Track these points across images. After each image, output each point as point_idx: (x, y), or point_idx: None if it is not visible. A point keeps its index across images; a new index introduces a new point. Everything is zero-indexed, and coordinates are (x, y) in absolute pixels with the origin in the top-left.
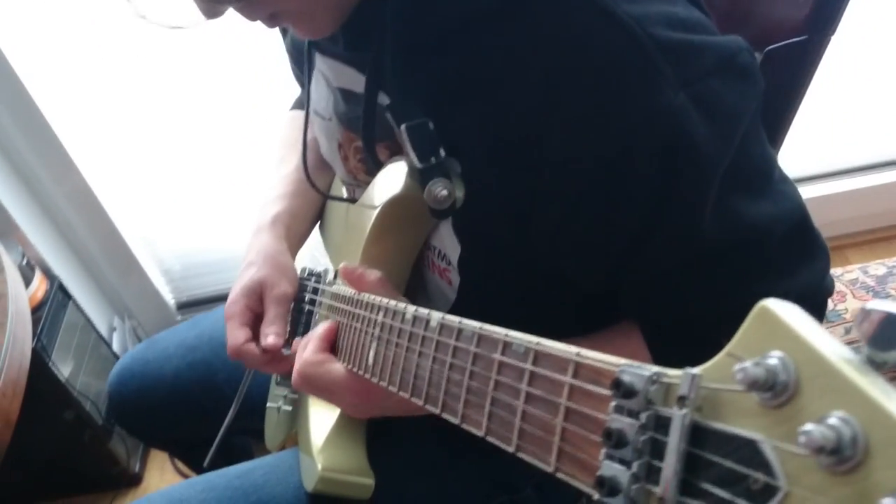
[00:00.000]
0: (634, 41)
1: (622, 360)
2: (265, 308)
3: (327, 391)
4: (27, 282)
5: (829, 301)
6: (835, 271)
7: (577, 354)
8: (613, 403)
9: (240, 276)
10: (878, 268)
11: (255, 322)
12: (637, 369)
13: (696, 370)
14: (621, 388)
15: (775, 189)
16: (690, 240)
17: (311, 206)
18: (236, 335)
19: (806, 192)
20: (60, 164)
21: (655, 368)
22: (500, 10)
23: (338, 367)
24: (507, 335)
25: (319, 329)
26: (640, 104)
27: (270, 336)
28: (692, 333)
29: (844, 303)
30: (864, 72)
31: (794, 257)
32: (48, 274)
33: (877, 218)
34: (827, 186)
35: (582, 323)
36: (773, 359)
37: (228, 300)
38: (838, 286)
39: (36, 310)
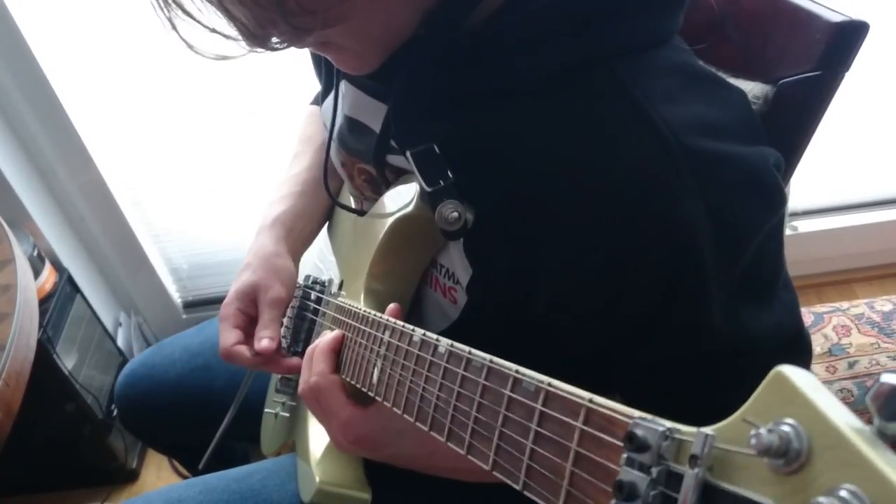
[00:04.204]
0: (665, 149)
1: (635, 412)
2: (259, 312)
3: (325, 415)
4: (36, 273)
5: (834, 334)
6: (841, 305)
7: (590, 401)
8: (625, 455)
9: (236, 278)
10: (884, 304)
11: (248, 325)
12: (650, 423)
13: (709, 430)
14: (634, 442)
15: (778, 298)
16: (688, 342)
17: (320, 206)
18: (227, 337)
19: (816, 224)
20: (78, 157)
21: (669, 424)
22: (539, 90)
23: (346, 402)
24: (517, 371)
25: (328, 340)
26: (659, 210)
27: (264, 340)
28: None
29: (849, 337)
30: (879, 107)
31: (785, 361)
32: (58, 266)
33: (887, 254)
34: (838, 220)
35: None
36: (787, 426)
37: (223, 302)
38: (844, 320)
39: (43, 301)
